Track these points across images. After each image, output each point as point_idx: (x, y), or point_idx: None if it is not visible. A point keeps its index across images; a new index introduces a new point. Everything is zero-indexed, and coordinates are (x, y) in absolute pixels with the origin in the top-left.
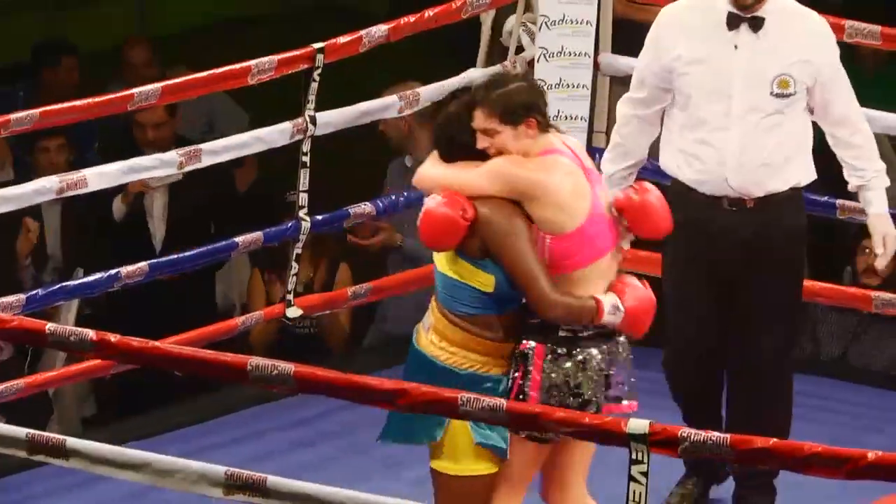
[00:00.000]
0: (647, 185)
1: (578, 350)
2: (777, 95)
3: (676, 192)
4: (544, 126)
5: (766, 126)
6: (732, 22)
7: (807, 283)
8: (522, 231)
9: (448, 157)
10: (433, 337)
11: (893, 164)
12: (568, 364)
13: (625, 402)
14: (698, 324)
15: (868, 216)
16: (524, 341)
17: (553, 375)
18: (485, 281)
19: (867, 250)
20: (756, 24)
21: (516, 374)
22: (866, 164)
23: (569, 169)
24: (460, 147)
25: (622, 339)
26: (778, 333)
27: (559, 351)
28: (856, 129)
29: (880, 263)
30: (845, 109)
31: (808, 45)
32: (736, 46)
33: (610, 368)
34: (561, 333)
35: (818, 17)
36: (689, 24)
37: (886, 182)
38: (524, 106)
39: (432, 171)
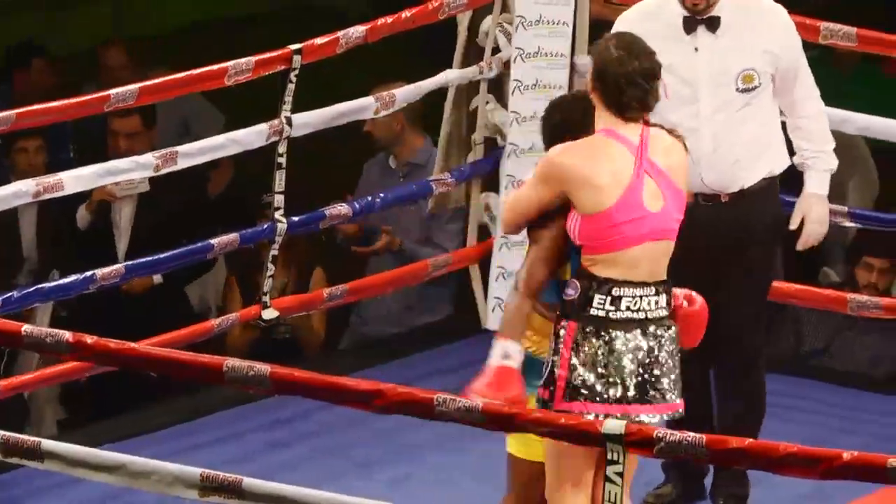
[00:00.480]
0: (696, 296)
1: (606, 331)
2: (743, 91)
3: None
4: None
5: (735, 122)
6: (689, 26)
7: (783, 284)
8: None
9: (553, 142)
10: (528, 331)
11: (868, 164)
12: (596, 342)
13: (663, 400)
14: None
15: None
16: (562, 319)
17: (582, 354)
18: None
19: (868, 264)
20: (713, 25)
21: (552, 353)
22: (809, 145)
23: (611, 153)
24: (565, 129)
25: (665, 332)
26: (755, 328)
27: (587, 329)
28: (808, 111)
29: (798, 245)
30: (803, 93)
31: (768, 35)
32: (696, 49)
33: (645, 358)
34: (591, 312)
35: (776, 7)
36: (648, 33)
37: (829, 165)
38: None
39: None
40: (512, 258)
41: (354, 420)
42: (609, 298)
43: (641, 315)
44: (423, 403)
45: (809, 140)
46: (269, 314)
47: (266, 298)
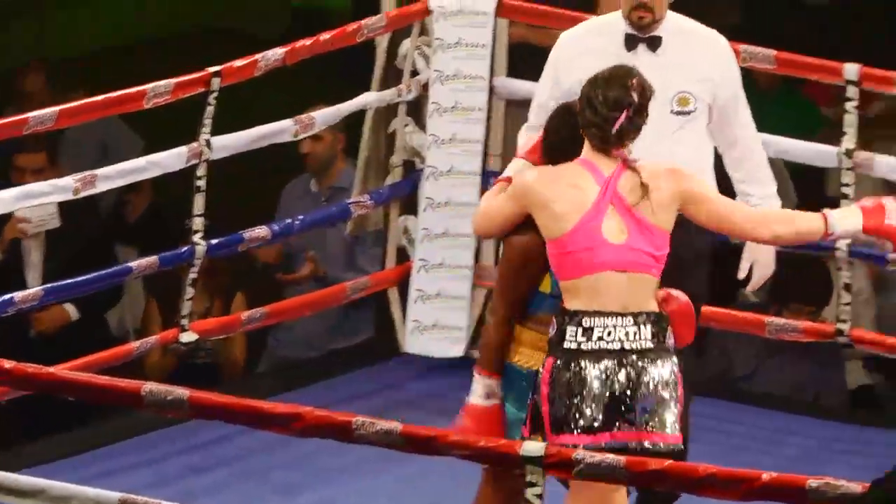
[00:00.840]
0: (675, 293)
1: (577, 363)
2: (677, 113)
3: None
4: (595, 142)
5: (668, 144)
6: (630, 43)
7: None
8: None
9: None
10: (520, 347)
11: (788, 187)
12: (568, 374)
13: (645, 428)
14: None
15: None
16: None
17: (558, 387)
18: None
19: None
20: (654, 44)
21: (534, 392)
22: (754, 189)
23: (575, 181)
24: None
25: (650, 363)
26: (685, 352)
27: (560, 363)
28: (749, 152)
29: (748, 288)
30: (741, 132)
31: (709, 63)
32: (635, 66)
33: (624, 388)
34: (565, 345)
35: (720, 38)
36: (590, 48)
37: (775, 207)
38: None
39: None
40: (430, 280)
41: (274, 444)
42: (580, 330)
43: (617, 345)
44: (342, 426)
45: (759, 183)
46: (188, 337)
47: (185, 321)
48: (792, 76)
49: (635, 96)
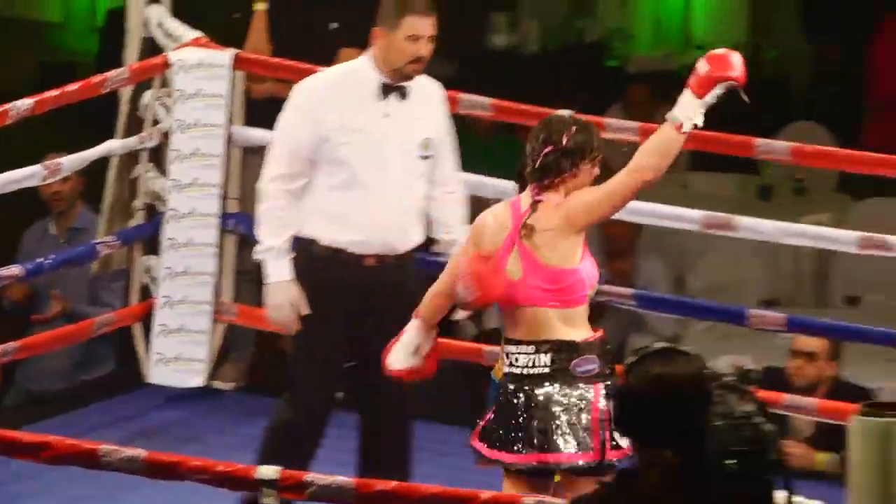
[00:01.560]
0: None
1: (504, 385)
2: (423, 157)
3: (316, 255)
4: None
5: (415, 187)
6: (385, 91)
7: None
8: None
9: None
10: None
11: None
12: (499, 396)
13: (545, 451)
14: (333, 378)
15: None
16: None
17: (496, 406)
18: None
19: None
20: (403, 93)
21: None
22: (454, 221)
23: (503, 217)
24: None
25: (541, 388)
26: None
27: (509, 387)
28: (456, 189)
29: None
30: (450, 169)
31: (438, 111)
32: (387, 114)
33: (524, 411)
34: (506, 369)
35: (439, 87)
36: (343, 95)
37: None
38: None
39: None
40: (173, 316)
41: (24, 473)
42: (506, 355)
43: (520, 370)
44: (89, 454)
45: (454, 217)
46: None
47: None
48: (508, 122)
49: (565, 139)
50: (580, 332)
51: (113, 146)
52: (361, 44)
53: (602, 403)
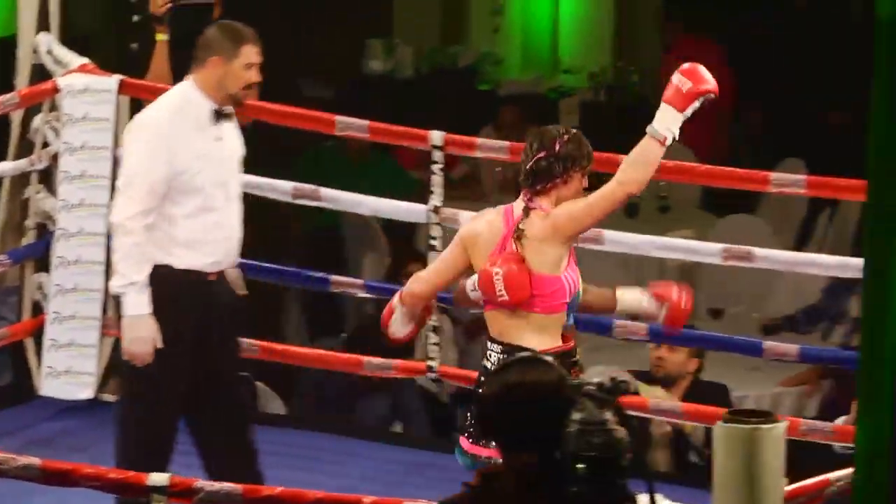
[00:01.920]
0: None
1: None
2: (241, 174)
3: (171, 282)
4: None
5: (239, 203)
6: (218, 117)
7: (302, 349)
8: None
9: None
10: None
11: (380, 242)
12: None
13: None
14: (181, 389)
15: None
16: None
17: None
18: None
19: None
20: (228, 116)
21: None
22: None
23: (496, 220)
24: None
25: None
26: (245, 386)
27: (481, 380)
28: None
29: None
30: None
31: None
32: (219, 138)
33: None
34: (483, 362)
35: None
36: (187, 125)
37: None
38: None
39: None
40: (63, 331)
41: None
42: (487, 349)
43: (490, 367)
44: None
45: None
46: None
47: None
48: (381, 143)
49: (557, 146)
50: (547, 341)
51: (4, 168)
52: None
53: None
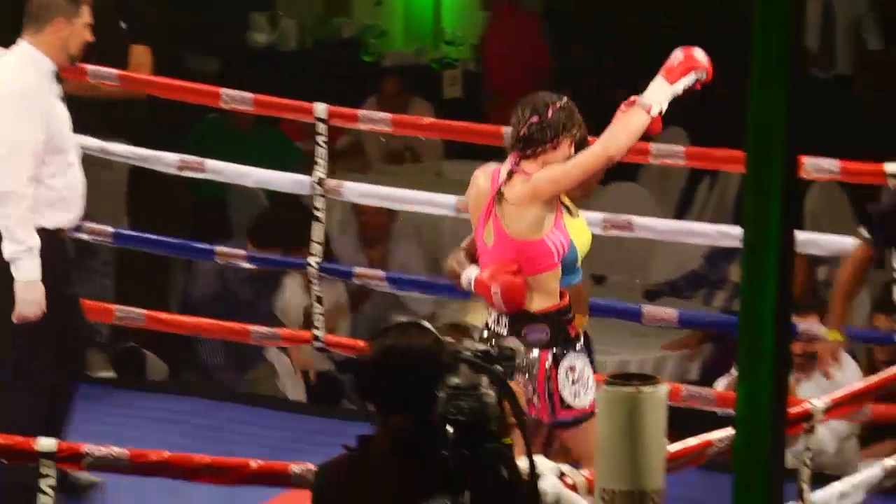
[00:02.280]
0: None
1: (487, 342)
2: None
3: (44, 242)
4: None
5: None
6: (57, 78)
7: (188, 318)
8: None
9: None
10: None
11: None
12: None
13: None
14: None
15: None
16: None
17: None
18: None
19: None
20: (60, 78)
21: None
22: None
23: (486, 181)
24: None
25: (534, 356)
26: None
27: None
28: None
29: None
30: None
31: None
32: (60, 97)
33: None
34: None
35: None
36: (44, 89)
37: None
38: None
39: None
40: None
41: None
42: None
43: (491, 327)
44: None
45: None
46: None
47: None
48: (268, 116)
49: (550, 112)
50: (542, 300)
51: None
52: (150, 40)
53: (548, 368)
